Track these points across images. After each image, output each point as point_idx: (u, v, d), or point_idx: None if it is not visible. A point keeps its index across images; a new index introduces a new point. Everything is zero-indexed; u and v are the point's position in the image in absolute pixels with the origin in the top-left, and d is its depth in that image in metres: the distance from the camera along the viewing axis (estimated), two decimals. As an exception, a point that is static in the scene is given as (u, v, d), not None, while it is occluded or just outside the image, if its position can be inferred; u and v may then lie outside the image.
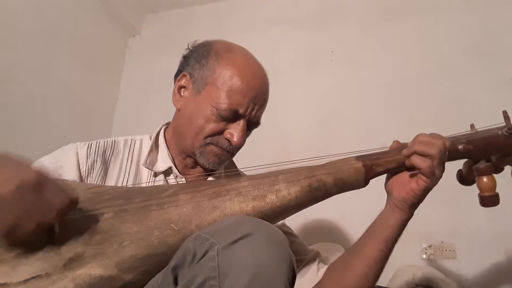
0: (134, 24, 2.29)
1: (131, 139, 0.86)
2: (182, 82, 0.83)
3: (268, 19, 2.08)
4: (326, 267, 0.76)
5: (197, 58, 0.82)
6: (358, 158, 0.67)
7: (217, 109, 0.75)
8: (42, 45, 1.71)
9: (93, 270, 0.52)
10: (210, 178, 0.85)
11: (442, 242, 1.45)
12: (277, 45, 1.97)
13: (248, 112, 0.77)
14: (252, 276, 0.45)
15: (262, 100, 0.80)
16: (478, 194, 0.67)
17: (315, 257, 0.80)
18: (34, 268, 0.51)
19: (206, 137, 0.77)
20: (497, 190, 0.65)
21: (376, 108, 1.73)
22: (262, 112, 0.82)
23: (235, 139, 0.76)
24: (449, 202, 1.46)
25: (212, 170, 0.86)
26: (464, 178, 0.70)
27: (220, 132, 0.77)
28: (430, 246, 1.46)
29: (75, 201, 0.54)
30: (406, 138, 1.80)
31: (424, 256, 1.46)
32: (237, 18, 2.14)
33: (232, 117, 0.76)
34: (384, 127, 1.68)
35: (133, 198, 0.62)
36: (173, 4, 2.28)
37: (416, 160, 0.62)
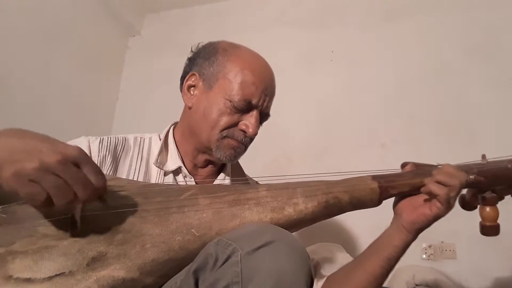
0: (134, 24, 2.29)
1: (141, 137, 0.87)
2: (191, 81, 0.85)
3: (268, 19, 2.08)
4: (325, 278, 0.77)
5: (205, 57, 0.84)
6: (374, 178, 0.68)
7: (231, 101, 0.78)
8: (42, 45, 1.71)
9: (117, 272, 0.52)
10: (218, 179, 0.87)
11: (442, 242, 1.45)
12: (277, 45, 1.97)
13: (261, 102, 0.80)
14: (275, 283, 0.46)
15: (272, 91, 0.84)
16: (480, 222, 0.70)
17: (315, 267, 0.81)
18: (58, 265, 0.51)
19: (222, 130, 0.79)
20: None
21: (376, 108, 1.73)
22: (271, 104, 0.85)
23: (250, 130, 0.79)
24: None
25: (222, 166, 0.89)
26: (467, 204, 0.72)
27: (235, 124, 0.80)
28: (430, 246, 1.46)
29: (106, 186, 0.54)
30: (406, 138, 1.81)
31: (424, 256, 1.46)
32: (237, 18, 2.14)
33: (246, 108, 0.79)
34: (384, 127, 1.68)
35: (152, 198, 0.62)
36: (173, 4, 2.28)
37: (435, 187, 0.64)
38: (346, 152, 1.69)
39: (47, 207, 0.49)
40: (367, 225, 1.33)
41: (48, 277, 0.49)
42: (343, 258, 1.27)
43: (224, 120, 0.79)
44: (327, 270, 0.80)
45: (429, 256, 1.45)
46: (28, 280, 0.49)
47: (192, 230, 0.58)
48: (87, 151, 0.77)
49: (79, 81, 1.92)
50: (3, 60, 1.53)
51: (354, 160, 1.66)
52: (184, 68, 0.90)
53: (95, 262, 0.52)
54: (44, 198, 0.47)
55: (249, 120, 0.80)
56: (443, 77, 1.67)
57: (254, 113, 0.80)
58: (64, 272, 0.50)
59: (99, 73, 2.09)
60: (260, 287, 0.46)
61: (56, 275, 0.50)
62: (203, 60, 0.84)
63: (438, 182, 0.64)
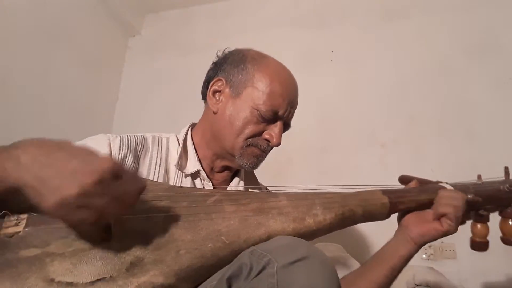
0: (134, 24, 2.29)
1: (159, 137, 0.87)
2: (217, 86, 0.85)
3: (268, 19, 2.08)
4: None
5: (234, 64, 0.85)
6: (384, 193, 0.72)
7: (258, 110, 0.79)
8: (42, 45, 1.71)
9: (156, 278, 0.52)
10: (232, 183, 0.89)
11: (442, 242, 1.45)
12: (277, 45, 1.96)
13: (286, 114, 0.82)
14: None
15: (296, 103, 0.86)
16: (470, 237, 0.75)
17: None
18: (98, 269, 0.50)
19: (247, 138, 0.80)
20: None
21: (376, 108, 1.73)
22: (292, 117, 0.87)
23: (275, 140, 0.81)
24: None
25: (237, 171, 0.91)
26: None
27: (259, 134, 0.81)
28: (430, 246, 1.46)
29: (145, 185, 0.54)
30: (406, 138, 1.80)
31: (424, 256, 1.46)
32: (237, 18, 2.14)
33: (272, 118, 0.81)
34: (384, 127, 1.68)
35: (179, 201, 0.63)
36: (173, 4, 2.28)
37: (444, 209, 0.69)
38: (346, 152, 1.69)
39: (97, 225, 0.49)
40: (367, 226, 1.33)
41: (90, 282, 0.49)
42: (343, 259, 1.27)
43: (250, 129, 0.80)
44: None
45: (429, 256, 1.45)
46: (71, 284, 0.48)
47: (222, 237, 0.59)
48: (107, 149, 0.77)
49: (79, 81, 1.92)
50: (3, 60, 1.53)
51: (354, 160, 1.66)
52: (209, 72, 0.90)
53: (133, 267, 0.52)
54: (94, 219, 0.47)
55: (274, 130, 0.81)
56: (443, 77, 1.67)
57: (279, 124, 0.81)
58: (105, 277, 0.50)
59: (99, 73, 2.09)
60: None
61: (98, 280, 0.49)
62: (231, 66, 0.85)
63: (445, 204, 0.69)
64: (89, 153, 0.49)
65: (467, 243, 1.40)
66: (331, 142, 1.74)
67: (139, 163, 0.80)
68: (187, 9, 2.28)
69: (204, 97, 0.89)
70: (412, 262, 1.38)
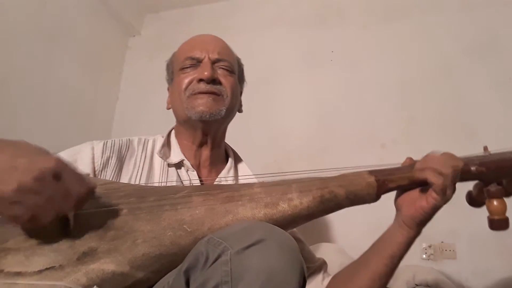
0: (134, 24, 2.29)
1: (145, 138, 0.90)
2: (168, 96, 0.95)
3: (268, 19, 2.08)
4: (331, 276, 0.77)
5: (166, 72, 0.96)
6: (371, 172, 0.66)
7: (180, 68, 0.87)
8: (42, 45, 1.71)
9: (106, 265, 0.52)
10: (222, 173, 0.88)
11: (442, 242, 1.45)
12: (277, 45, 1.97)
13: (204, 54, 0.86)
14: (264, 282, 0.46)
15: (213, 44, 0.89)
16: (488, 217, 0.66)
17: (321, 266, 0.81)
18: (49, 260, 0.52)
19: (185, 91, 0.84)
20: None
21: (376, 108, 1.73)
22: (221, 52, 0.88)
23: (205, 73, 0.83)
24: (449, 202, 1.46)
25: (226, 160, 0.90)
26: (474, 200, 0.69)
27: (192, 82, 0.85)
28: (430, 246, 1.46)
29: (92, 189, 0.55)
30: (406, 138, 1.81)
31: (424, 256, 1.46)
32: (237, 18, 2.14)
33: (194, 63, 0.86)
34: (384, 127, 1.68)
35: (147, 197, 0.63)
36: (173, 4, 2.28)
37: (429, 174, 0.62)
38: (346, 152, 1.69)
39: (32, 225, 0.50)
40: (368, 226, 1.33)
41: (38, 271, 0.50)
42: (343, 259, 1.27)
43: (184, 84, 0.85)
44: (330, 270, 0.80)
45: (429, 256, 1.45)
46: (18, 274, 0.50)
47: (184, 226, 0.58)
48: (90, 153, 0.79)
49: (79, 81, 1.92)
50: (4, 60, 1.53)
51: (354, 160, 1.64)
52: None
53: (85, 256, 0.53)
54: (28, 218, 0.48)
55: (200, 68, 0.85)
56: (443, 77, 1.67)
57: (202, 62, 0.85)
58: (54, 266, 0.51)
59: (99, 73, 2.08)
60: (249, 286, 0.45)
61: (46, 268, 0.51)
62: (166, 75, 0.96)
63: (431, 169, 0.62)
64: (37, 153, 0.51)
65: (467, 243, 1.40)
66: (331, 142, 1.74)
67: (123, 164, 0.82)
68: (187, 9, 2.28)
69: None
70: (412, 262, 1.39)
